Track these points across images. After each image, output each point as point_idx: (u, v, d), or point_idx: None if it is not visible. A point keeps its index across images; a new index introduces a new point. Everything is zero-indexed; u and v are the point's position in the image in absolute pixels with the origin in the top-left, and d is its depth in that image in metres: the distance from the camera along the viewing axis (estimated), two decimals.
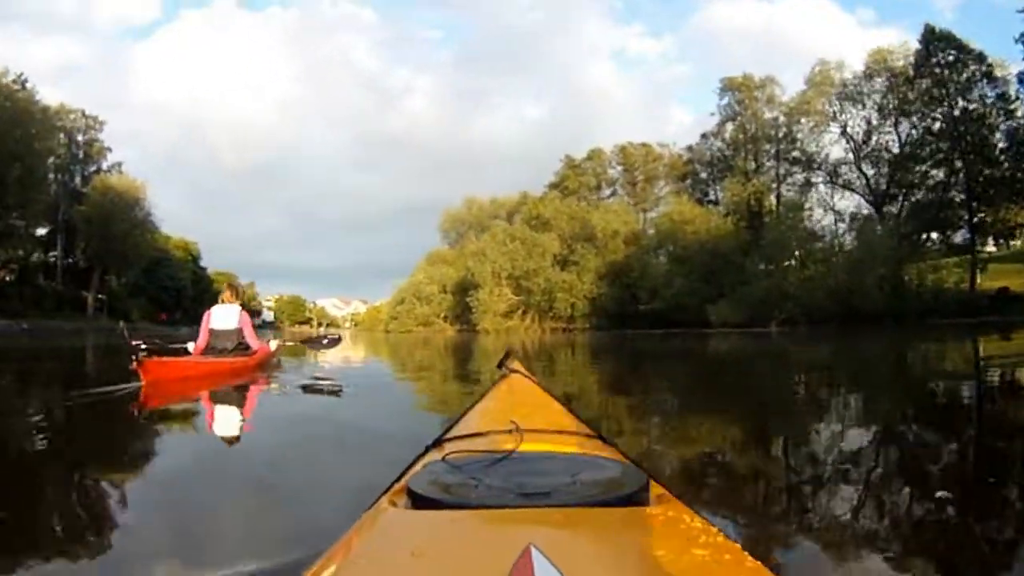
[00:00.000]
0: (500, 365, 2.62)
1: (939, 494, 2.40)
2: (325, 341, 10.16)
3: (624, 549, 0.93)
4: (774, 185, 50.57)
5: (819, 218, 47.64)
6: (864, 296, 33.54)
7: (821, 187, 48.68)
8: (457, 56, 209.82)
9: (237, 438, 4.10)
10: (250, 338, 7.64)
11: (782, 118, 49.93)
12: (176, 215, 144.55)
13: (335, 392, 5.95)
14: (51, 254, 45.35)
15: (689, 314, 40.39)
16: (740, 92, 51.62)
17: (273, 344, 8.66)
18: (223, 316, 7.61)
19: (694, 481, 2.83)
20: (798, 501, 2.57)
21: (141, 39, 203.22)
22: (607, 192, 61.11)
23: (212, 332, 7.55)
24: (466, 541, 0.94)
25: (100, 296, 44.55)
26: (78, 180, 46.31)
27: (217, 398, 5.95)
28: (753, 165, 51.43)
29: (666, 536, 0.95)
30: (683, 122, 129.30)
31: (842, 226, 46.90)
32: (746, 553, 0.90)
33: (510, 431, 1.45)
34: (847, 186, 47.50)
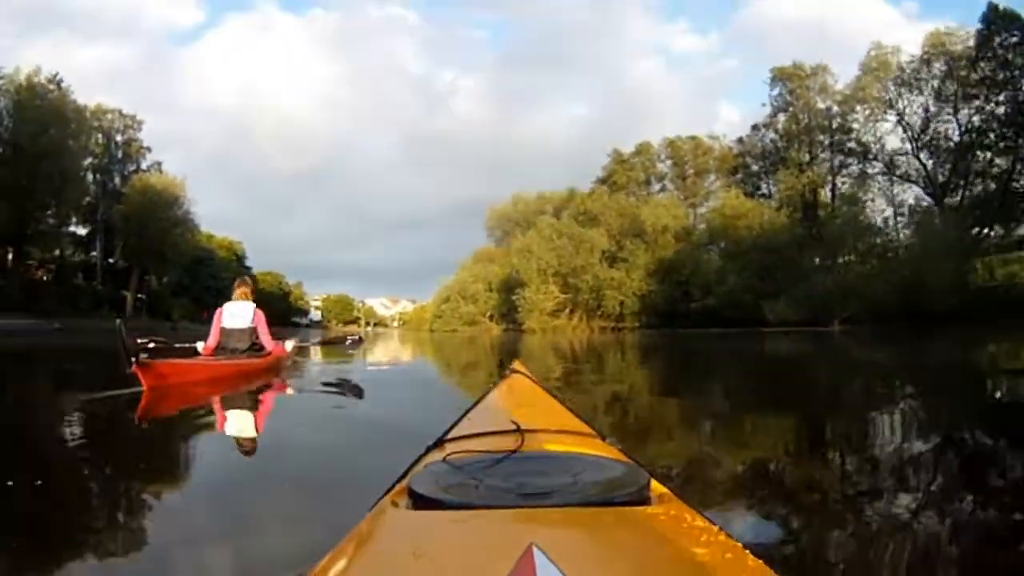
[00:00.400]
0: (501, 365, 2.64)
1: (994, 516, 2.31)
2: (348, 342, 9.90)
3: (626, 549, 0.93)
4: (829, 178, 49.00)
5: (879, 210, 45.95)
6: (930, 293, 32.14)
7: (879, 179, 46.93)
8: (503, 56, 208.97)
9: (250, 452, 3.66)
10: (264, 337, 7.16)
11: (835, 107, 48.25)
12: (225, 216, 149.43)
13: (356, 394, 5.56)
14: (92, 254, 46.07)
15: (743, 312, 39.33)
16: (791, 82, 50.10)
17: (289, 344, 8.26)
18: (236, 314, 7.12)
19: (744, 490, 2.76)
20: (847, 516, 2.39)
21: (187, 43, 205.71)
22: (656, 187, 60.07)
23: (224, 331, 7.04)
24: (467, 541, 0.94)
25: (140, 295, 45.17)
26: (117, 180, 46.77)
27: (226, 404, 5.45)
28: (807, 156, 49.78)
29: (668, 536, 0.96)
30: (731, 119, 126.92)
31: (902, 220, 45.18)
32: (747, 552, 0.90)
33: (511, 431, 1.46)
34: (905, 177, 45.49)
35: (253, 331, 7.10)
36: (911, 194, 45.63)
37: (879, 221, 45.06)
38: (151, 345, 6.19)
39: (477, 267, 63.53)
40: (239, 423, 4.70)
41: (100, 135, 42.77)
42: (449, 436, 1.58)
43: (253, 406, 5.56)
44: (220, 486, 2.83)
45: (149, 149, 38.51)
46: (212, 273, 53.67)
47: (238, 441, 3.99)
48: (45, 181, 34.43)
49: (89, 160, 42.08)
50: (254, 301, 7.34)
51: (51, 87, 37.08)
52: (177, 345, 7.06)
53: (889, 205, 46.00)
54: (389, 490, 1.29)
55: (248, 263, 61.08)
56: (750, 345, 19.30)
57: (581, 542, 0.95)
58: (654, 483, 1.17)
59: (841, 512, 2.44)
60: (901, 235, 43.63)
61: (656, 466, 2.52)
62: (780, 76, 50.86)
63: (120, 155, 45.85)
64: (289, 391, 6.42)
